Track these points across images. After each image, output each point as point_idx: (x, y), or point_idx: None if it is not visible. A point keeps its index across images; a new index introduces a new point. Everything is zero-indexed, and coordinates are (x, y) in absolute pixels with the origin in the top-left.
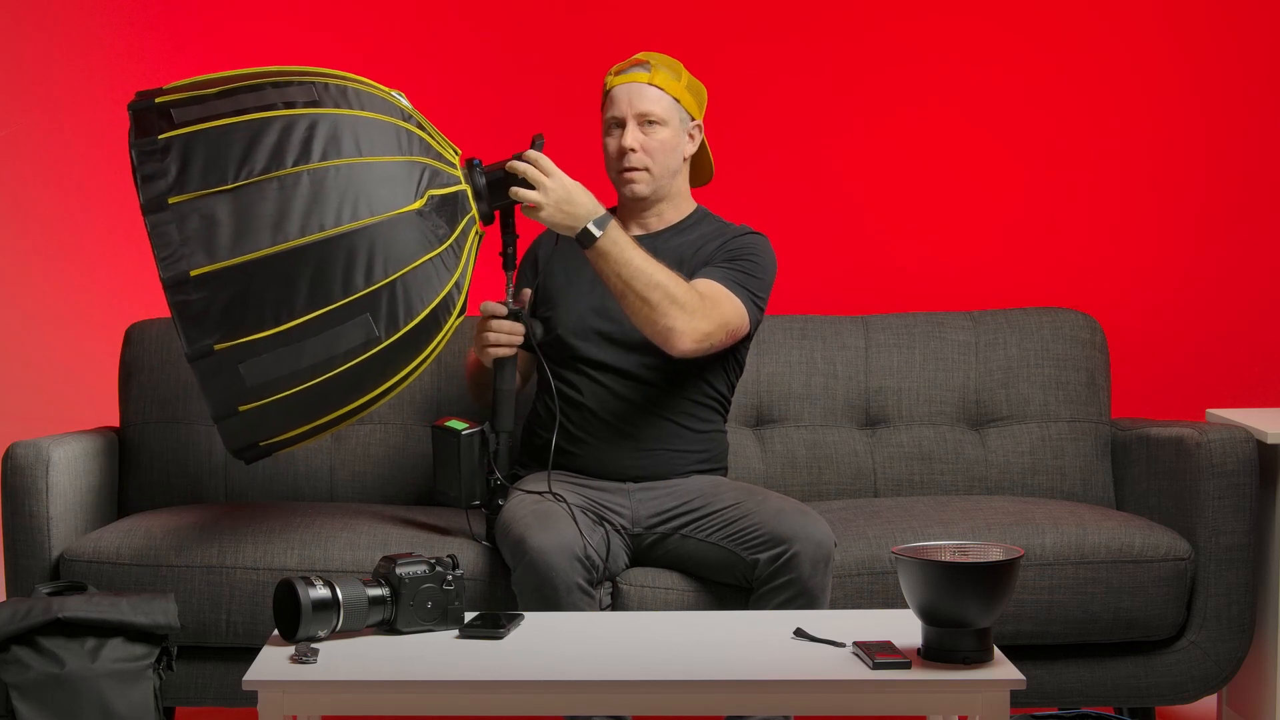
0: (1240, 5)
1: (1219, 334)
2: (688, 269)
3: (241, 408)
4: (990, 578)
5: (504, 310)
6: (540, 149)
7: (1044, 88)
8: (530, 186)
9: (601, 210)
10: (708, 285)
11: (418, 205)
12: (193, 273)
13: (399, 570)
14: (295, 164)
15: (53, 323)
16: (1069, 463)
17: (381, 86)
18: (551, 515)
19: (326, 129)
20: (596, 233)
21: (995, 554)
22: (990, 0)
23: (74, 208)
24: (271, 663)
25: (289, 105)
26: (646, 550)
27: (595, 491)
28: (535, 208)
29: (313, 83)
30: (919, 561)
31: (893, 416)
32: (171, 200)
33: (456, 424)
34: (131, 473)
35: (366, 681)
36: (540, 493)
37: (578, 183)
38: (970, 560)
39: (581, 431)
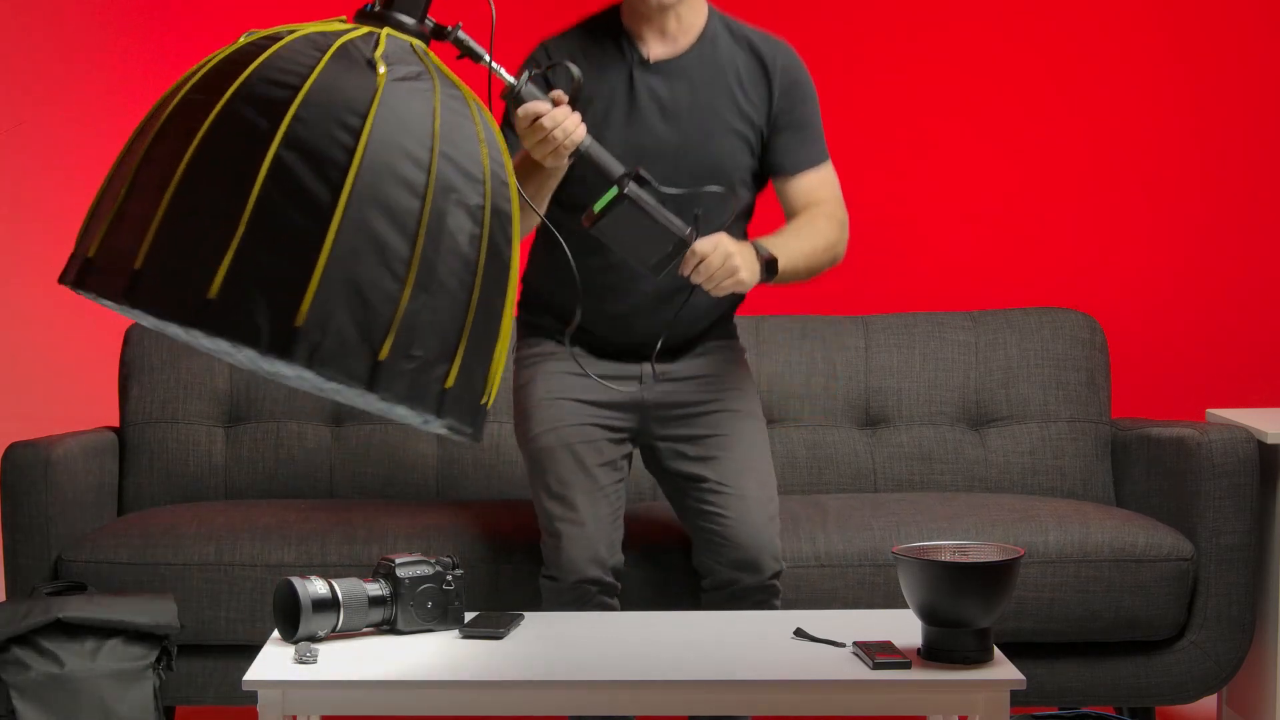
0: (1237, 5)
1: (1219, 334)
2: (733, 104)
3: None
4: (990, 578)
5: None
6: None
7: (1044, 88)
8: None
9: (750, 243)
10: (823, 184)
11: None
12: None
13: (399, 570)
14: None
15: (53, 323)
16: (1069, 463)
17: None
18: (576, 523)
19: None
20: (769, 252)
21: (995, 554)
22: (989, 3)
23: (75, 207)
24: (271, 663)
25: None
26: (654, 447)
27: (605, 391)
28: (738, 280)
29: None
30: (919, 561)
31: (893, 416)
32: None
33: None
34: (131, 473)
35: (366, 681)
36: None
37: (719, 235)
38: (970, 560)
39: (601, 287)
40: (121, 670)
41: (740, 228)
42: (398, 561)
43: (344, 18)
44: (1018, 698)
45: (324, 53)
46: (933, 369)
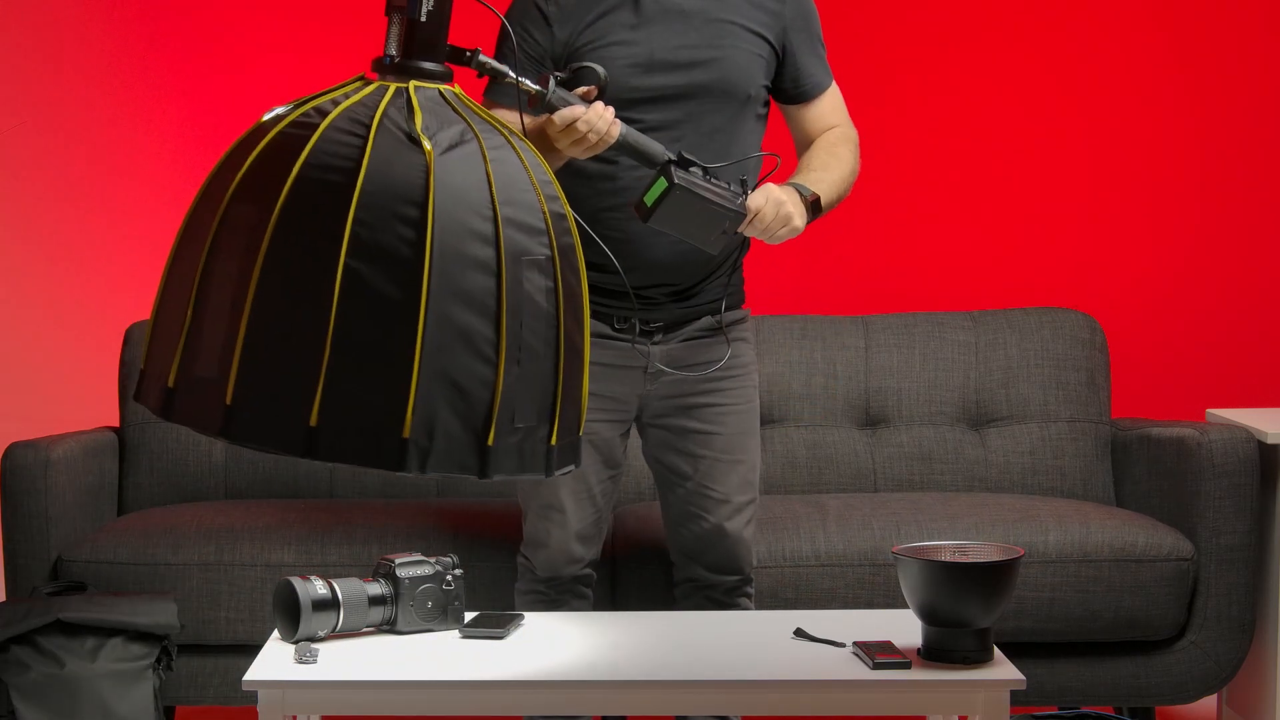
0: (1236, 6)
1: (1219, 334)
2: (745, 12)
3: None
4: (990, 578)
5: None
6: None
7: (1044, 89)
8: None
9: (792, 187)
10: (835, 108)
11: None
12: None
13: (399, 570)
14: None
15: (53, 323)
16: (1069, 463)
17: None
18: (561, 524)
19: None
20: (811, 192)
21: (995, 554)
22: (989, 5)
23: (74, 207)
24: (272, 663)
25: None
26: (645, 430)
27: (610, 372)
28: (792, 226)
29: None
30: (919, 561)
31: (893, 416)
32: None
33: (653, 191)
34: (131, 473)
35: (366, 681)
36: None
37: (766, 187)
38: (970, 560)
39: (615, 230)
40: (121, 670)
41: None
42: (398, 561)
43: (363, 75)
44: (1018, 698)
45: (364, 136)
46: (933, 369)
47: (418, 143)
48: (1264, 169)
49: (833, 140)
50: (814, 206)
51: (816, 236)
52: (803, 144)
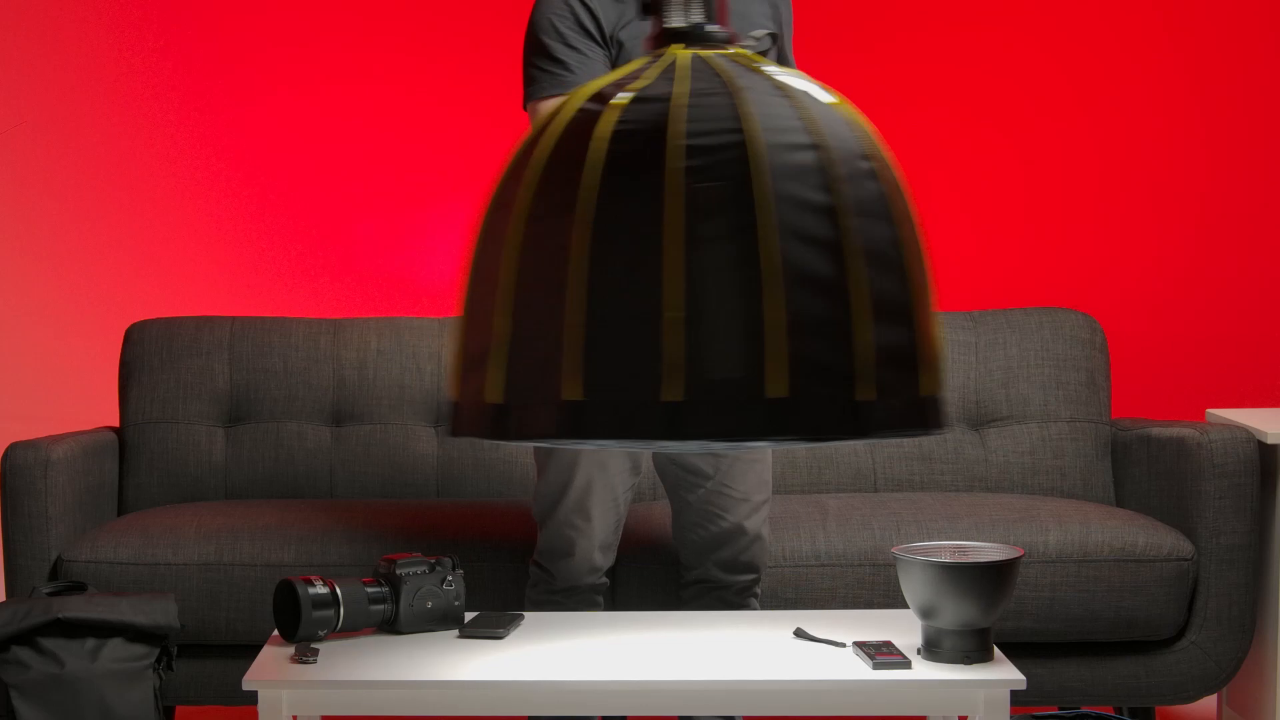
0: (1239, 7)
1: (1219, 334)
2: (760, 5)
3: None
4: (990, 578)
5: None
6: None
7: (1045, 88)
8: None
9: None
10: None
11: None
12: None
13: (399, 570)
14: None
15: (53, 323)
16: (1069, 463)
17: None
18: (587, 534)
19: None
20: None
21: (995, 554)
22: (992, 2)
23: (74, 208)
24: (271, 663)
25: None
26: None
27: None
28: None
29: None
30: (919, 561)
31: None
32: None
33: None
34: (131, 473)
35: (366, 681)
36: None
37: None
38: (970, 560)
39: None
40: (121, 670)
41: None
42: (398, 561)
43: (668, 49)
44: (1018, 698)
45: (781, 95)
46: None
47: (812, 97)
48: (1264, 170)
49: None
50: None
51: None
52: None
